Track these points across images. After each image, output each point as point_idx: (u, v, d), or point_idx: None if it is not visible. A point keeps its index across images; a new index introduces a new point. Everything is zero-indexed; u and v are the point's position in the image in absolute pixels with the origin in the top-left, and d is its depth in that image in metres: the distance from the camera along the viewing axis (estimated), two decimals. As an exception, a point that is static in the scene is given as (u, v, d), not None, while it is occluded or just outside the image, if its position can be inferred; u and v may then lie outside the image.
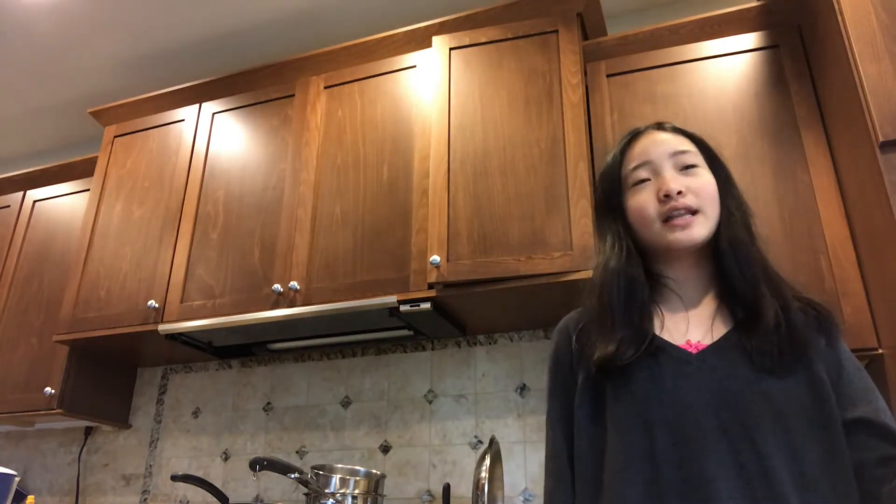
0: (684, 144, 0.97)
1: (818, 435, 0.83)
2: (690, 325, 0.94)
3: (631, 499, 0.84)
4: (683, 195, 0.92)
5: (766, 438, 0.81)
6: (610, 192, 1.01)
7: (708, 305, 0.95)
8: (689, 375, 0.88)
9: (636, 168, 0.98)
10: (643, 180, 0.96)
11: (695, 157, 0.96)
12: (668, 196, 0.92)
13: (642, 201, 0.95)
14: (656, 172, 0.95)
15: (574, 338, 0.98)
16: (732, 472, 0.80)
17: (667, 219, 0.92)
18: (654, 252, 0.97)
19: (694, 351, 0.90)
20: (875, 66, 1.38)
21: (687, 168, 0.95)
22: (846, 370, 0.89)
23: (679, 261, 0.96)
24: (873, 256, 1.44)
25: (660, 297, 0.97)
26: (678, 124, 1.79)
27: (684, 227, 0.91)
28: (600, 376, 0.92)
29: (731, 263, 0.92)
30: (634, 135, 1.02)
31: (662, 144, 0.97)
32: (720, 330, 0.92)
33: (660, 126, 1.01)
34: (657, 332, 0.93)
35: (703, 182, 0.94)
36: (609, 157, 1.03)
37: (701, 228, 0.92)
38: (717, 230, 0.94)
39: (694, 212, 0.92)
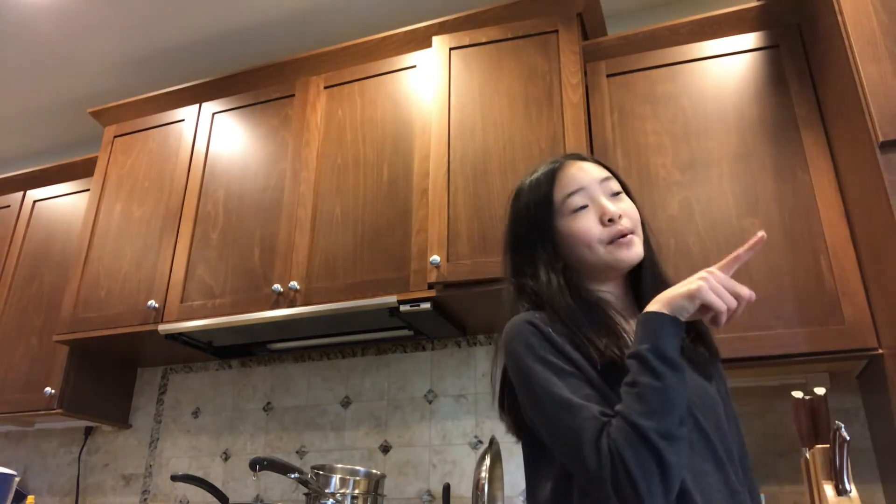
0: (605, 173, 1.04)
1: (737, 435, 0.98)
2: (630, 335, 0.99)
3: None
4: (622, 219, 0.99)
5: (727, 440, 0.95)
6: (542, 217, 1.03)
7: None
8: None
9: (571, 195, 1.01)
10: (582, 206, 1.01)
11: (616, 184, 1.04)
12: (611, 220, 0.99)
13: (586, 226, 0.99)
14: (592, 199, 1.01)
15: (551, 329, 0.93)
16: (713, 465, 0.89)
17: (612, 240, 0.98)
18: (589, 272, 1.01)
19: None
20: (875, 66, 1.38)
21: (614, 195, 1.02)
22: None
23: (615, 279, 1.03)
24: (873, 256, 1.44)
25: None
26: (678, 124, 1.80)
27: (629, 246, 0.98)
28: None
29: (647, 281, 1.02)
30: (559, 165, 1.05)
31: (590, 172, 1.03)
32: None
33: (579, 157, 1.07)
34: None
35: (631, 207, 1.02)
36: (531, 185, 1.06)
37: (640, 247, 1.00)
38: None
39: (631, 232, 1.00)
